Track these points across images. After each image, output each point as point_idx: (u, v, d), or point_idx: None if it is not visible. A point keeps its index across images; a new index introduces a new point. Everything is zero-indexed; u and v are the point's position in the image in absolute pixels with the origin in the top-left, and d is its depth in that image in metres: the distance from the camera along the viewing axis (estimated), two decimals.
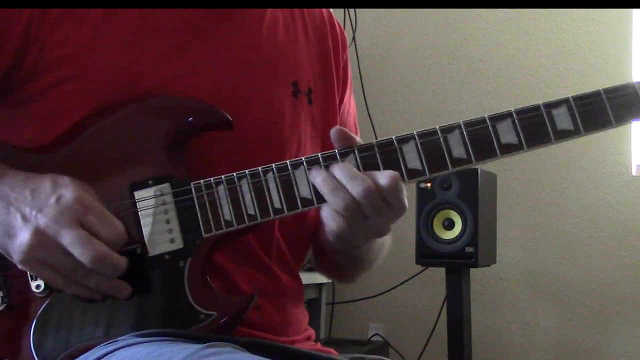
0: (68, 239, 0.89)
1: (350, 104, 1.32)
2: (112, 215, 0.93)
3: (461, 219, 2.51)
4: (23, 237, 0.90)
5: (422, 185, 2.57)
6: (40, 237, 0.90)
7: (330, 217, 0.96)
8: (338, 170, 0.96)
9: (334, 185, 0.95)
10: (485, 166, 2.58)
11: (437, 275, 2.82)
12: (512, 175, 3.15)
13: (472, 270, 2.62)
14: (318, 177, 0.97)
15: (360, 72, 3.26)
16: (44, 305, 0.96)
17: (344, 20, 3.25)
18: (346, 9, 3.27)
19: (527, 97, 3.17)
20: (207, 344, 0.85)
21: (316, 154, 0.99)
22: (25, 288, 0.96)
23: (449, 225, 2.55)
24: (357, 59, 3.25)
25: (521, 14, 3.23)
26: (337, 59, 1.26)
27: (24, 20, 1.00)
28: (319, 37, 1.24)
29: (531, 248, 3.18)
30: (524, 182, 3.19)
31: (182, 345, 0.87)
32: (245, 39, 1.12)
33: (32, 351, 0.95)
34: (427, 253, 2.56)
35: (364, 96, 3.24)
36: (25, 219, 0.91)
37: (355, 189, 0.94)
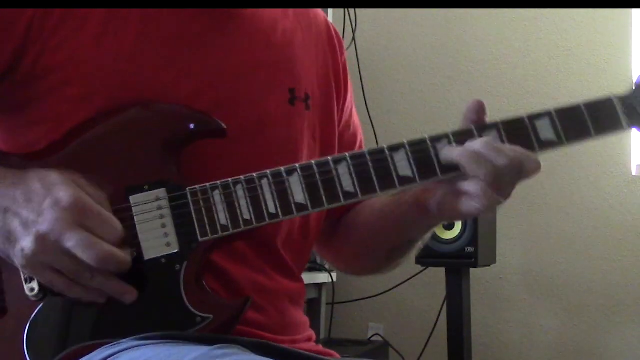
0: (72, 242, 0.89)
1: (352, 104, 1.33)
2: (110, 215, 0.94)
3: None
4: (25, 243, 0.90)
5: None
6: (43, 242, 0.90)
7: (474, 185, 0.99)
8: (479, 143, 0.99)
9: (473, 156, 0.98)
10: None
11: (437, 275, 2.82)
12: None
13: (472, 270, 2.62)
14: (454, 152, 0.99)
15: (360, 72, 3.26)
16: (38, 309, 0.96)
17: (344, 20, 3.24)
18: (346, 9, 3.27)
19: (527, 97, 3.17)
20: (216, 345, 0.86)
21: (310, 161, 1.01)
22: (19, 291, 0.96)
23: (449, 225, 2.55)
24: (357, 59, 3.25)
25: (521, 14, 3.23)
26: (336, 64, 1.27)
27: (26, 20, 1.00)
28: (316, 43, 1.24)
29: (531, 248, 3.18)
30: (524, 182, 3.18)
31: (190, 346, 0.88)
32: (242, 46, 1.12)
33: (25, 355, 0.95)
34: (427, 253, 2.55)
35: (364, 96, 3.24)
36: (24, 224, 0.91)
37: (501, 160, 0.98)
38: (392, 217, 1.17)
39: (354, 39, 3.25)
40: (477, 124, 1.03)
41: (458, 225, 2.53)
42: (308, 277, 1.16)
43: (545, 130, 1.04)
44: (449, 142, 1.02)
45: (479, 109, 1.04)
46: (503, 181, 0.99)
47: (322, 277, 3.06)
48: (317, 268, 3.04)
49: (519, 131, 1.03)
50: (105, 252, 0.90)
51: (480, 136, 1.02)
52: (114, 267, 0.92)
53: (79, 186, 0.93)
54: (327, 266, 3.12)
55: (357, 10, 3.30)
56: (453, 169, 1.00)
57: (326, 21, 1.30)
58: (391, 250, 1.23)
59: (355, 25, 3.30)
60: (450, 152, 1.00)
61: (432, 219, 1.10)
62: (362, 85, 3.25)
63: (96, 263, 0.90)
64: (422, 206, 1.08)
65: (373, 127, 3.18)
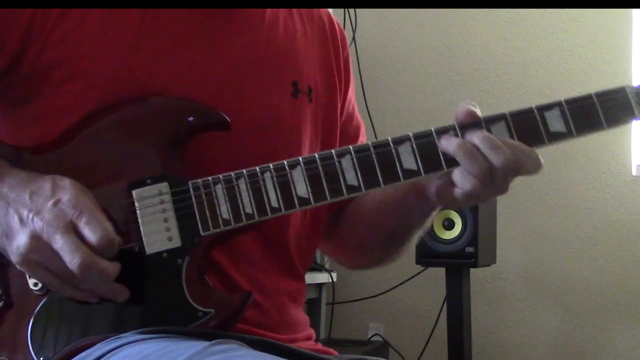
0: (59, 244, 0.89)
1: (354, 97, 1.34)
2: (105, 220, 0.92)
3: (461, 219, 2.51)
4: (20, 239, 0.91)
5: None
6: (36, 241, 0.90)
7: (465, 180, 0.98)
8: (477, 138, 0.98)
9: (470, 151, 0.97)
10: None
11: (437, 275, 2.82)
12: None
13: (472, 270, 2.62)
14: (452, 144, 0.98)
15: (360, 72, 3.26)
16: (42, 303, 0.96)
17: (344, 20, 3.25)
18: (346, 9, 3.27)
19: (527, 97, 3.17)
20: (215, 340, 0.86)
21: (313, 155, 1.00)
22: (23, 285, 0.96)
23: (449, 225, 2.55)
24: (357, 59, 3.25)
25: (521, 14, 3.23)
26: (338, 57, 1.27)
27: (26, 19, 1.00)
28: (318, 37, 1.25)
29: (531, 248, 3.18)
30: (524, 182, 3.17)
31: (190, 342, 0.88)
32: (245, 40, 1.12)
33: (30, 349, 0.95)
34: (427, 253, 2.56)
35: (364, 96, 3.24)
36: (22, 221, 0.91)
37: (497, 159, 0.97)
38: (390, 200, 1.16)
39: (354, 39, 3.25)
40: (486, 116, 1.02)
41: (458, 225, 2.53)
42: (308, 277, 1.16)
43: (554, 121, 1.01)
44: (455, 135, 1.00)
45: (469, 116, 1.02)
46: (496, 178, 0.98)
47: (322, 277, 3.06)
48: (317, 268, 3.04)
49: (527, 122, 1.01)
50: (87, 261, 0.89)
51: (488, 128, 1.00)
52: (96, 278, 0.90)
53: (86, 194, 0.93)
54: (327, 266, 3.12)
55: (357, 10, 3.30)
56: (458, 162, 0.99)
57: (329, 15, 1.31)
58: (390, 235, 1.22)
59: (355, 25, 3.30)
60: (449, 143, 0.99)
61: (431, 204, 1.09)
62: (362, 85, 3.25)
63: (77, 271, 0.89)
64: (420, 191, 1.08)
65: (373, 127, 3.19)
